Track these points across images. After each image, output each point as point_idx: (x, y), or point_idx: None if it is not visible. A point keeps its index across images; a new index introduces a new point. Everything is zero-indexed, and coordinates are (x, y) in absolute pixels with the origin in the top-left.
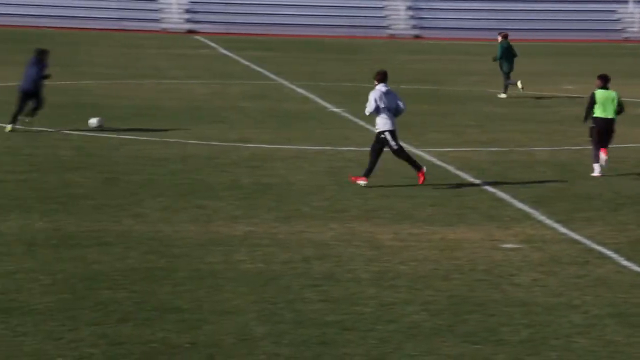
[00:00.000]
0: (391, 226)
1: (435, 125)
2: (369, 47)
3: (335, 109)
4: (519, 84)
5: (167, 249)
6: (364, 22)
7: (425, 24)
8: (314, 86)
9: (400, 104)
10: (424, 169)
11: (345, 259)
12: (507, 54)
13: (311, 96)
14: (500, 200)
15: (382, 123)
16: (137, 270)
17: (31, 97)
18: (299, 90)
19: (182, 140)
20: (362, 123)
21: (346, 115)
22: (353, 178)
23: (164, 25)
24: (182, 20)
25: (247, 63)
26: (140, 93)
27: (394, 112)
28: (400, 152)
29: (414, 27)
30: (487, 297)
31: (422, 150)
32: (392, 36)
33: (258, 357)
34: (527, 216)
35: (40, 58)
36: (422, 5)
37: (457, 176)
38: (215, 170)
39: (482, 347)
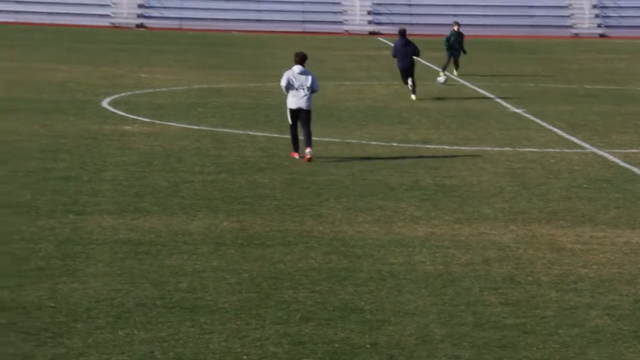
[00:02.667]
0: (573, 229)
1: (619, 126)
2: (553, 46)
3: (516, 110)
4: None
5: (348, 250)
6: (547, 21)
7: (610, 22)
8: (495, 86)
9: (315, 85)
10: (297, 155)
11: (526, 261)
12: None
13: (492, 96)
14: None
15: (289, 101)
16: (319, 270)
17: None
18: (480, 90)
19: (364, 141)
20: (544, 124)
21: (527, 115)
22: (292, 154)
23: (347, 27)
24: (365, 22)
25: (428, 64)
26: (323, 94)
27: (307, 90)
28: (291, 129)
29: (599, 25)
30: None
31: (606, 151)
32: (576, 35)
33: (438, 359)
34: None
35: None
36: (608, 3)
37: None
38: (396, 171)
39: None
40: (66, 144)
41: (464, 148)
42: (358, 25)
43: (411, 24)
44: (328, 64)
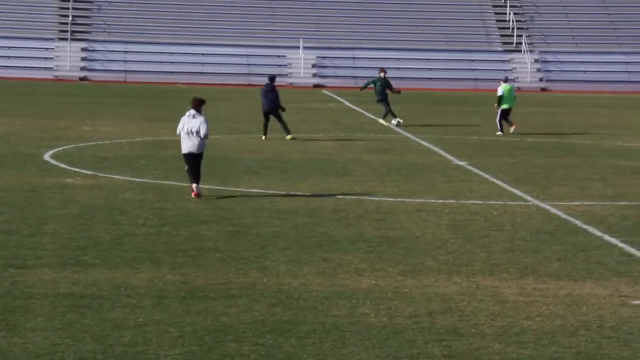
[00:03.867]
0: (516, 281)
1: (561, 179)
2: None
3: (459, 162)
4: None
5: (292, 302)
6: (489, 75)
7: (552, 76)
8: (438, 139)
9: (202, 129)
10: (195, 187)
11: (470, 313)
12: None
13: (435, 149)
14: (630, 255)
15: (182, 145)
16: (263, 323)
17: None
18: (424, 143)
19: (308, 194)
20: (487, 176)
21: (470, 168)
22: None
23: (291, 80)
24: (309, 75)
25: (372, 116)
26: (268, 146)
27: (197, 135)
28: (187, 171)
29: (541, 79)
30: (616, 354)
31: (548, 204)
32: (518, 89)
33: None
34: None
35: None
36: (549, 58)
37: (584, 230)
38: (340, 223)
39: None
40: (6, 197)
41: (408, 200)
42: (303, 78)
43: (354, 77)
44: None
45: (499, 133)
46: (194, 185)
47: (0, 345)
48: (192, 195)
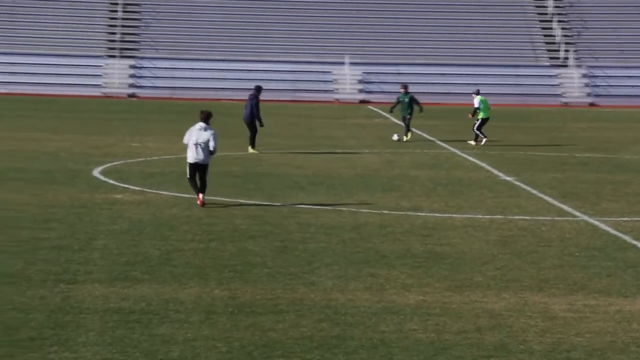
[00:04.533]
0: (565, 297)
1: (610, 194)
2: (542, 115)
3: (507, 177)
4: None
5: (340, 317)
6: (536, 90)
7: (600, 91)
8: (485, 155)
9: (212, 143)
10: (201, 196)
11: (518, 329)
12: None
13: (482, 164)
14: None
15: (188, 155)
16: (310, 339)
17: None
18: (470, 158)
19: (355, 209)
20: (534, 192)
21: (518, 183)
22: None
23: (337, 96)
24: (355, 91)
25: (419, 132)
26: (314, 162)
27: (206, 147)
28: (189, 180)
29: (589, 94)
30: None
31: (597, 219)
32: (565, 104)
33: None
34: None
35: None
36: (597, 72)
37: (634, 246)
38: (387, 238)
39: None
40: (57, 213)
41: (455, 216)
42: (348, 93)
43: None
44: (318, 132)
45: (485, 140)
46: (200, 195)
47: (53, 359)
48: (198, 204)
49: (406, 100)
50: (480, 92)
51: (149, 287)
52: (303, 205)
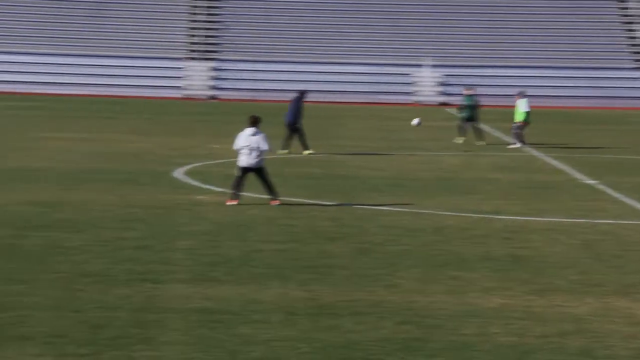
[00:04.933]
0: None
1: None
2: (625, 117)
3: (589, 181)
4: None
5: (421, 320)
6: (618, 92)
7: None
8: (567, 158)
9: (263, 146)
10: (234, 201)
11: (602, 335)
12: None
13: (564, 167)
14: None
15: (240, 159)
16: (391, 341)
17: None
18: (552, 161)
19: (435, 212)
20: (618, 195)
21: (601, 187)
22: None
23: (417, 98)
24: (435, 93)
25: (498, 134)
26: (394, 164)
27: (258, 151)
28: (236, 180)
29: None
30: None
31: None
32: None
33: None
34: None
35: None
36: None
37: None
38: (468, 241)
39: None
40: (140, 213)
41: (536, 219)
42: (428, 96)
43: (482, 95)
44: (398, 134)
45: (519, 144)
46: (275, 202)
47: (137, 358)
48: (227, 204)
49: (470, 103)
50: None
51: (230, 287)
52: (383, 208)
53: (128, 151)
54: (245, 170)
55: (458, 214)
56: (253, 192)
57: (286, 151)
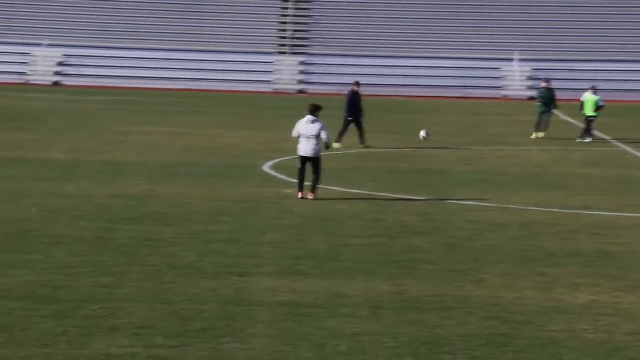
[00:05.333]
0: None
1: None
2: None
3: None
4: None
5: (508, 316)
6: None
7: None
8: None
9: (323, 134)
10: (301, 195)
11: None
12: None
13: None
14: None
15: (299, 148)
16: (477, 336)
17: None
18: None
19: (522, 207)
20: None
21: None
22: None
23: (505, 93)
24: (524, 87)
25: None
26: (481, 159)
27: (316, 139)
28: (299, 172)
29: None
30: None
31: None
32: None
33: None
34: None
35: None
36: None
37: None
38: (556, 237)
39: None
40: (228, 207)
41: (626, 215)
42: (517, 90)
43: (571, 90)
44: (486, 129)
45: (591, 139)
46: (310, 195)
47: (225, 350)
48: (299, 197)
49: (547, 95)
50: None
51: (317, 281)
52: (470, 203)
53: (218, 145)
54: (304, 159)
55: (546, 209)
56: (342, 187)
57: (363, 145)
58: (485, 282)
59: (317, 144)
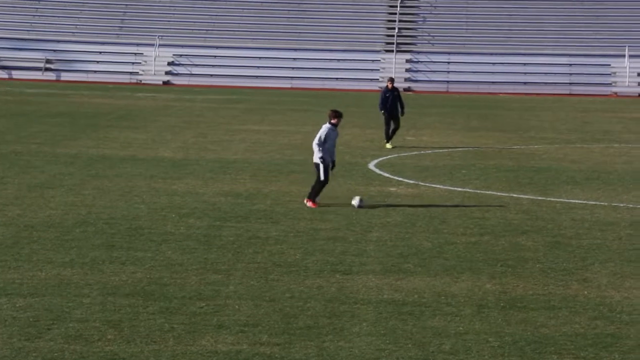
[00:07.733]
0: None
1: None
2: None
3: None
4: None
5: (615, 315)
6: None
7: None
8: None
9: (314, 139)
10: (316, 203)
11: None
12: None
13: None
14: None
15: (318, 155)
16: (584, 336)
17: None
18: None
19: (632, 205)
20: None
21: None
22: (309, 203)
23: (615, 89)
24: (635, 84)
25: None
26: (590, 157)
27: (317, 146)
28: (321, 183)
29: None
30: None
31: None
32: None
33: None
34: None
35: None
36: None
37: None
38: None
39: None
40: (334, 204)
41: None
42: (628, 87)
43: None
44: (595, 126)
45: None
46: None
47: (328, 348)
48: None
49: None
50: None
51: (421, 279)
52: (577, 201)
53: None
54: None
55: None
56: (447, 185)
57: (387, 142)
58: (592, 282)
59: (318, 150)
